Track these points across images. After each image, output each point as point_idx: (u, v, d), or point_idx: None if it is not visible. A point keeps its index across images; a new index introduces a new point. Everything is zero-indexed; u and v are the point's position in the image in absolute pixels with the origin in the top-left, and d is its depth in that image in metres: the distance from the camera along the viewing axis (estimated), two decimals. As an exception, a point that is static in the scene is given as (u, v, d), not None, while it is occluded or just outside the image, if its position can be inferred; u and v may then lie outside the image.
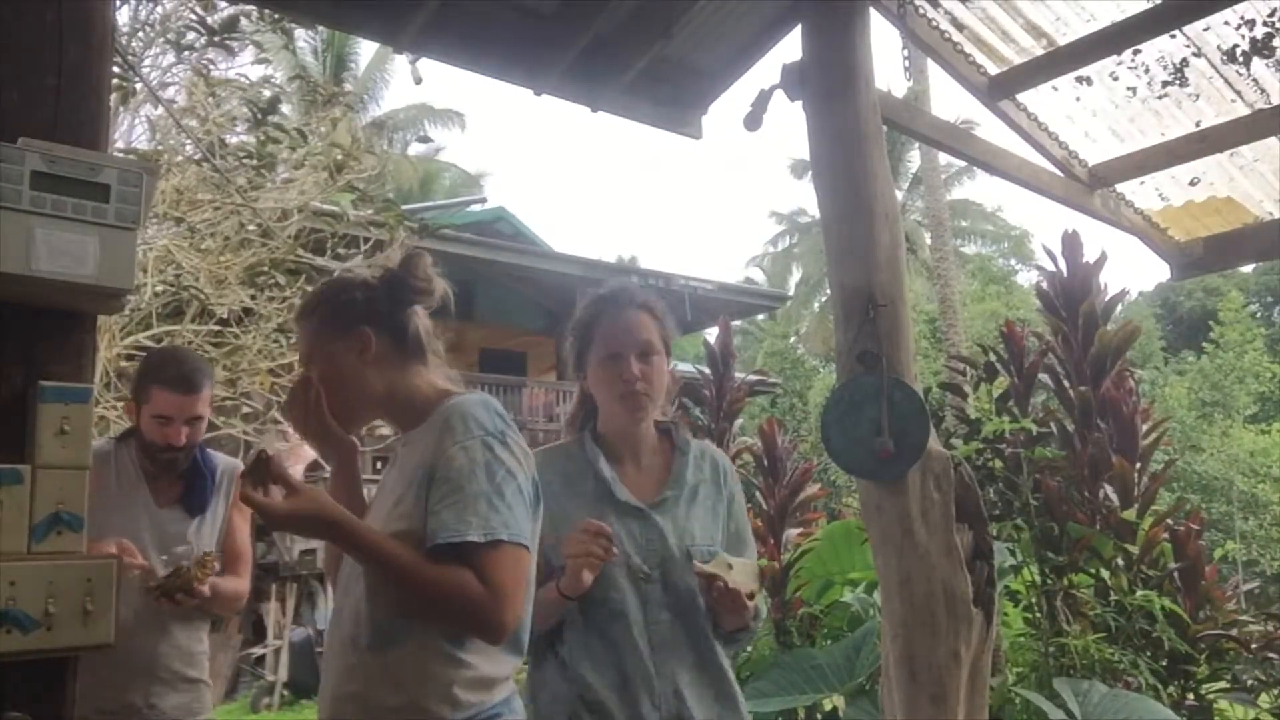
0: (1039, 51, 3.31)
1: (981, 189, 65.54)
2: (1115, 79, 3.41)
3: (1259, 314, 32.48)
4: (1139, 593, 3.98)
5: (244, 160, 6.33)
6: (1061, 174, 3.74)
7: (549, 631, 1.79)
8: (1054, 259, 4.93)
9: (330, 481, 1.71)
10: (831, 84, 2.81)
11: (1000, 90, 3.43)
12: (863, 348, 2.62)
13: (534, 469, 1.58)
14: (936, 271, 19.52)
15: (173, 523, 2.42)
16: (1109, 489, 4.48)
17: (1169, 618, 3.96)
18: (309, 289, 4.78)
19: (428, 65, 3.21)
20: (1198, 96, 3.44)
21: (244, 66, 11.21)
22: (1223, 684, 4.12)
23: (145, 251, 6.15)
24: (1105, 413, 4.61)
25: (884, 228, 2.72)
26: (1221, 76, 3.34)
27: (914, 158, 26.60)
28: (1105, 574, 4.13)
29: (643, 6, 2.94)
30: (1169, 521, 4.41)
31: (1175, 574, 4.25)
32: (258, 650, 10.43)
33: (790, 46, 3.01)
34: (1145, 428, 4.67)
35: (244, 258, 6.70)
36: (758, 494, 4.69)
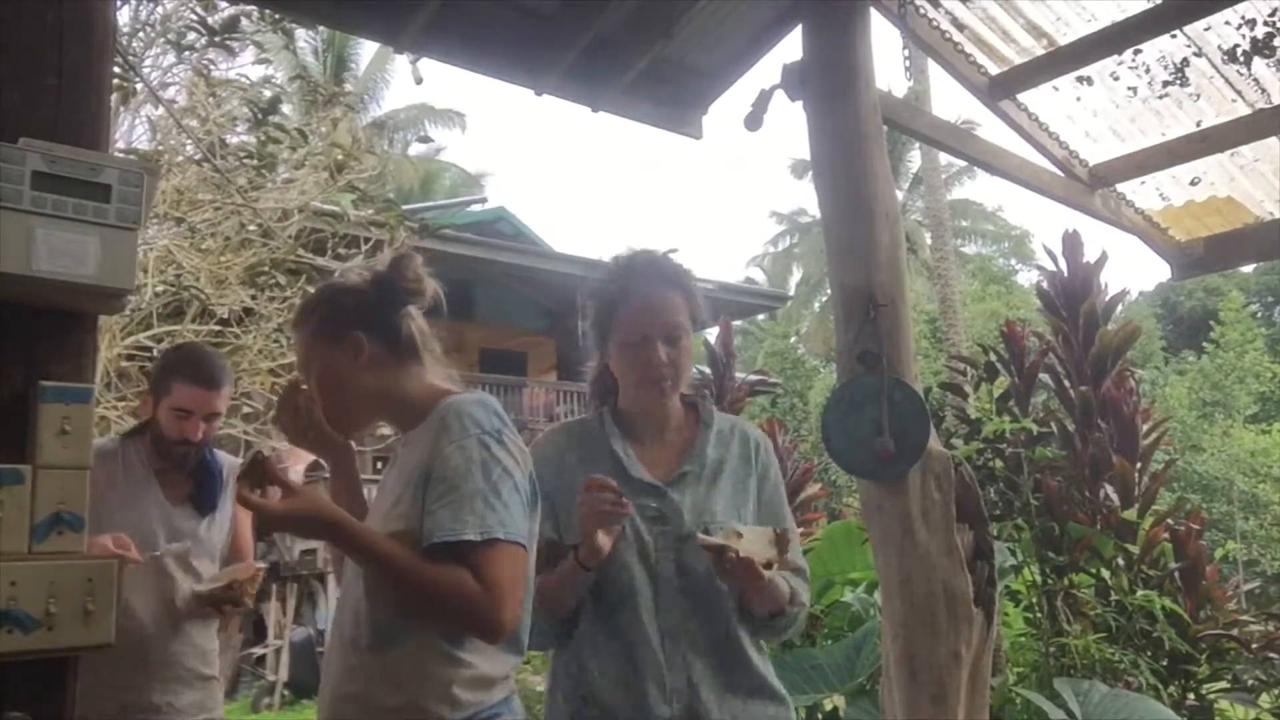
0: (1040, 51, 3.31)
1: (982, 189, 65.55)
2: (1116, 79, 3.41)
3: (1260, 314, 32.48)
4: (1139, 592, 3.98)
5: (244, 160, 6.33)
6: (1062, 174, 3.74)
7: (568, 619, 1.70)
8: (1054, 259, 4.94)
9: (330, 485, 1.72)
10: (832, 84, 2.81)
11: (1001, 90, 3.43)
12: (863, 348, 2.62)
13: (531, 467, 1.57)
14: (937, 271, 19.52)
15: (184, 520, 2.43)
16: (1109, 489, 4.48)
17: (1170, 618, 3.96)
18: (309, 289, 4.79)
19: (428, 65, 3.21)
20: (1198, 96, 3.44)
21: (244, 67, 11.26)
22: (1223, 684, 4.12)
23: (146, 252, 6.16)
24: (1106, 413, 4.61)
25: (884, 228, 2.72)
26: (1222, 76, 3.34)
27: (914, 158, 26.60)
28: (1106, 574, 4.13)
29: (643, 6, 2.94)
30: (1170, 521, 4.41)
31: (1176, 574, 4.25)
32: (258, 650, 10.44)
33: (791, 46, 3.02)
34: (1146, 428, 4.68)
35: (244, 258, 6.70)
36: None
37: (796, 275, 32.33)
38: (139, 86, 5.52)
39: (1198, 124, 3.54)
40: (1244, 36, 3.12)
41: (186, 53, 5.57)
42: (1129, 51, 3.27)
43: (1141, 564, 4.20)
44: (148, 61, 5.89)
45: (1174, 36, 3.18)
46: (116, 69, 4.45)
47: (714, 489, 1.74)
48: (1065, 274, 4.89)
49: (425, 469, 1.50)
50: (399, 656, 1.48)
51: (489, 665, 1.50)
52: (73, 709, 1.34)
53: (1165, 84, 3.39)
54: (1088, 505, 4.38)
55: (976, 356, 4.85)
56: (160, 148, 6.52)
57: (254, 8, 4.95)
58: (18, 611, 1.26)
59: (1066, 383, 4.77)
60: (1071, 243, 4.92)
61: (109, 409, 5.92)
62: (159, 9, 5.65)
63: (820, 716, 4.07)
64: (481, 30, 2.83)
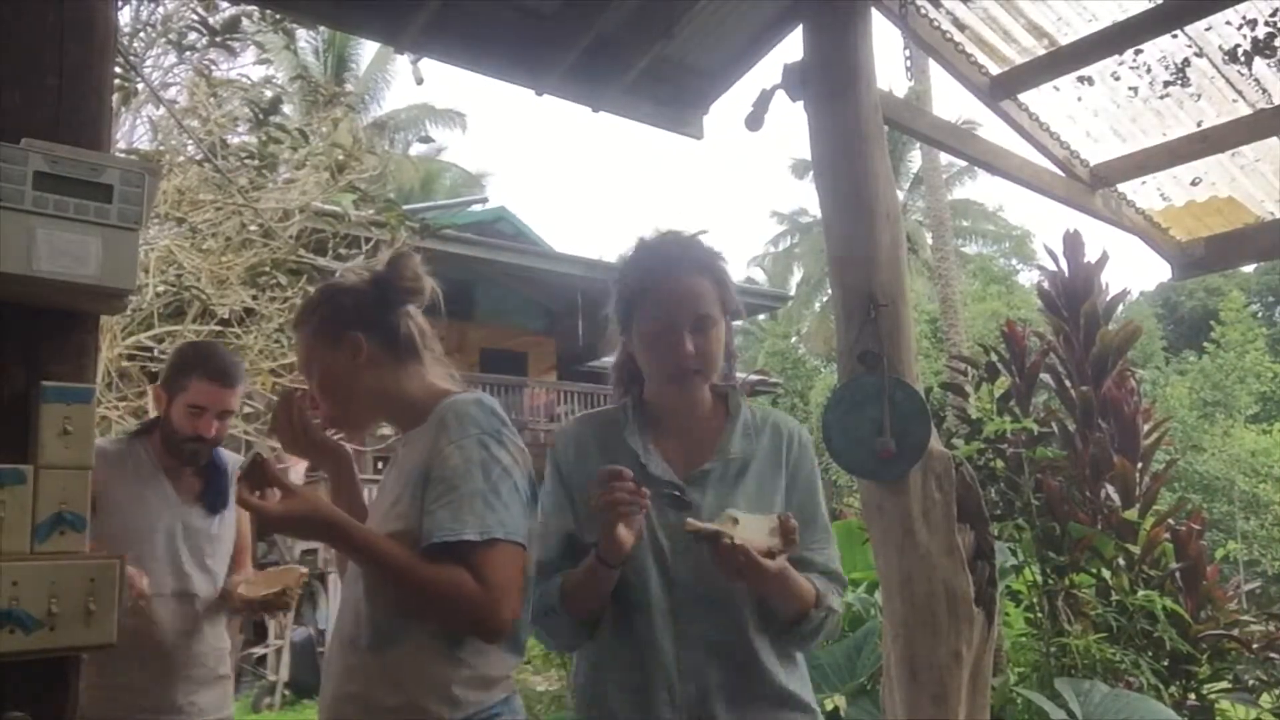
0: (1041, 51, 3.31)
1: (983, 189, 65.56)
2: (1117, 79, 3.41)
3: (1260, 314, 32.47)
4: (1140, 593, 3.98)
5: (245, 160, 6.34)
6: (1063, 174, 3.74)
7: (592, 620, 1.60)
8: (1055, 259, 4.94)
9: (329, 492, 1.72)
10: (833, 84, 2.81)
11: (1002, 90, 3.43)
12: (864, 348, 2.62)
13: (530, 466, 1.57)
14: (938, 271, 19.49)
15: (197, 519, 2.44)
16: (1110, 489, 4.48)
17: (1170, 618, 3.96)
18: (310, 289, 4.79)
19: (429, 65, 3.22)
20: (1199, 96, 3.44)
21: (245, 67, 11.24)
22: (1224, 684, 4.12)
23: (147, 252, 6.16)
24: (1107, 413, 4.62)
25: (885, 228, 2.72)
26: (1223, 76, 3.34)
27: (915, 158, 26.59)
28: (1107, 574, 4.14)
29: (644, 6, 2.94)
30: (1170, 521, 4.42)
31: (1177, 574, 4.26)
32: (259, 650, 10.44)
33: (791, 46, 3.02)
34: (1147, 428, 4.68)
35: (245, 258, 6.71)
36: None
37: (797, 275, 32.32)
38: (140, 86, 5.53)
39: (1199, 124, 3.54)
40: (1245, 36, 3.12)
41: (187, 53, 5.58)
42: (1130, 51, 3.27)
43: (1142, 564, 4.20)
44: (149, 61, 5.90)
45: (1175, 36, 3.18)
46: (117, 69, 4.45)
47: (738, 487, 1.62)
48: (1066, 274, 4.89)
49: (424, 469, 1.50)
50: (399, 656, 1.48)
51: (489, 665, 1.50)
52: (74, 709, 1.34)
53: (1166, 84, 3.39)
54: (1088, 505, 4.38)
55: (977, 356, 4.85)
56: (161, 148, 6.53)
57: (255, 8, 4.95)
58: (19, 611, 1.26)
59: (1067, 383, 4.77)
60: (1072, 243, 4.92)
61: (110, 409, 5.93)
62: (160, 9, 5.66)
63: (821, 716, 4.07)
64: (482, 30, 2.83)
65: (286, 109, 8.47)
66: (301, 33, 16.93)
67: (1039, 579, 4.04)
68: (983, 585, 2.58)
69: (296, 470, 6.76)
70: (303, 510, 1.44)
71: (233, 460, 2.59)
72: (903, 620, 2.54)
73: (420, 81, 3.91)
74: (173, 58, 5.98)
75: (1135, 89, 3.44)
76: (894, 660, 2.57)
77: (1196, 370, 26.33)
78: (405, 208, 7.62)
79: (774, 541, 1.47)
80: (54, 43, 1.44)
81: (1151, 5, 3.05)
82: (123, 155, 4.61)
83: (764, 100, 2.90)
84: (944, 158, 19.30)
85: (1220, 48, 3.22)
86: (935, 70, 5.40)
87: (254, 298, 6.72)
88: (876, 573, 2.80)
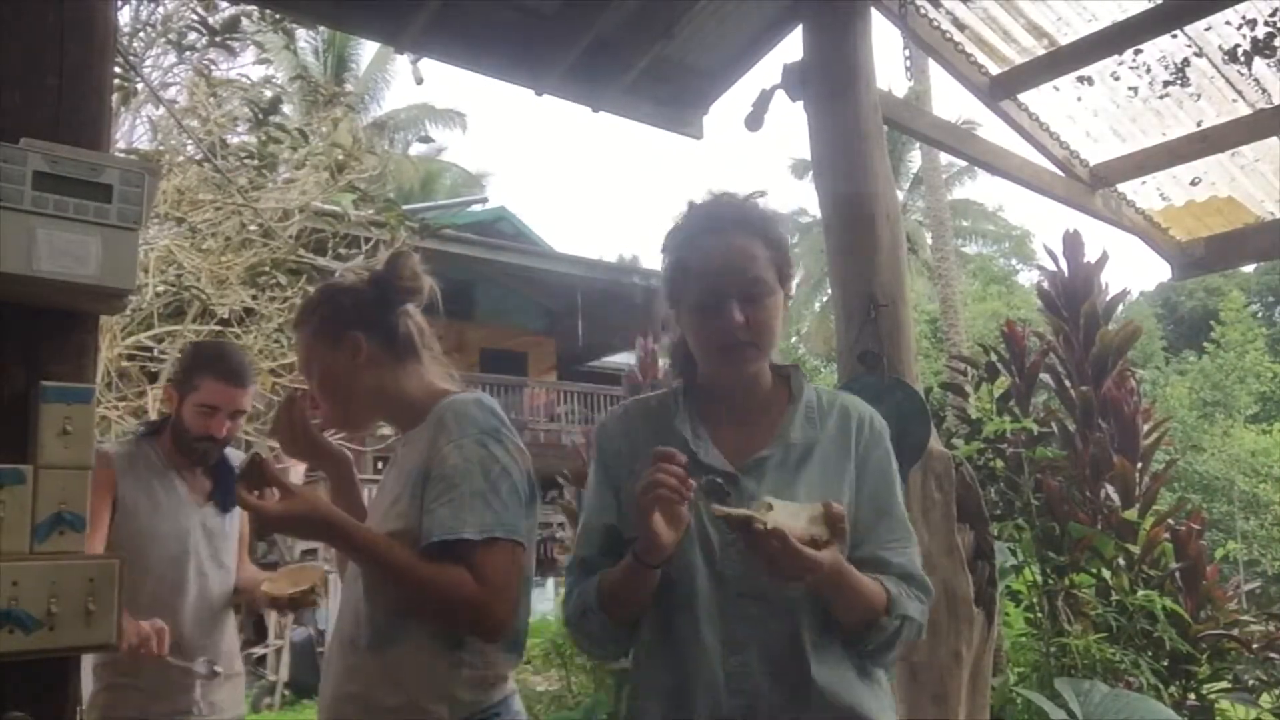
0: (1040, 51, 3.31)
1: (983, 189, 65.58)
2: (1117, 79, 3.42)
3: (1260, 314, 32.46)
4: (1140, 593, 3.98)
5: (245, 160, 6.34)
6: (1063, 174, 3.74)
7: (631, 625, 1.44)
8: (1055, 259, 4.94)
9: (329, 495, 1.72)
10: (832, 84, 2.82)
11: (1002, 90, 3.44)
12: (864, 347, 2.62)
13: (530, 466, 1.57)
14: (938, 271, 19.50)
15: (211, 518, 2.45)
16: (1110, 489, 4.48)
17: (1170, 618, 3.96)
18: (310, 289, 4.79)
19: (429, 65, 3.22)
20: (1199, 96, 3.44)
21: (245, 67, 11.24)
22: (1224, 684, 4.12)
23: (147, 252, 6.16)
24: (1106, 413, 4.61)
25: (885, 228, 2.72)
26: (1223, 76, 3.34)
27: (915, 158, 26.59)
28: (1106, 574, 4.13)
29: (644, 7, 2.94)
30: (1170, 521, 4.41)
31: (1176, 574, 4.25)
32: (259, 650, 10.43)
33: (791, 46, 3.02)
34: (1146, 428, 4.68)
35: (245, 258, 6.71)
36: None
37: (797, 275, 32.28)
38: (140, 86, 5.53)
39: (1198, 124, 3.54)
40: (1245, 36, 3.12)
41: (187, 53, 5.58)
42: (1130, 51, 3.27)
43: (1142, 564, 4.20)
44: (148, 61, 5.90)
45: (1175, 36, 3.18)
46: (117, 69, 4.45)
47: (799, 475, 1.44)
48: (1066, 274, 4.89)
49: (424, 468, 1.50)
50: (398, 656, 1.48)
51: (488, 665, 1.51)
52: (74, 709, 1.34)
53: (1166, 84, 3.39)
54: (1088, 505, 4.38)
55: (977, 356, 4.85)
56: (161, 148, 6.53)
57: (254, 8, 4.95)
58: (19, 611, 1.26)
59: (1067, 383, 4.77)
60: (1072, 243, 4.92)
61: (110, 409, 5.93)
62: (160, 9, 5.66)
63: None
64: (482, 30, 2.84)
65: (286, 109, 8.47)
66: (301, 33, 16.94)
67: (1039, 579, 4.04)
68: (983, 585, 2.58)
69: (296, 470, 6.77)
70: (302, 510, 1.45)
71: (237, 458, 2.60)
72: (903, 620, 2.54)
73: (420, 81, 3.92)
74: (172, 58, 5.98)
75: (1135, 89, 3.44)
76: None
77: (1196, 370, 26.33)
78: (405, 208, 7.62)
79: (817, 530, 1.28)
80: (54, 43, 1.44)
81: (1151, 5, 3.05)
82: (123, 155, 4.62)
83: (764, 100, 2.90)
84: (944, 158, 19.31)
85: (1220, 48, 3.22)
86: (935, 70, 5.41)
87: (254, 297, 6.72)
88: (876, 573, 2.79)
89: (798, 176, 31.87)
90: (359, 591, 1.54)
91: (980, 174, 27.77)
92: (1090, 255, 4.91)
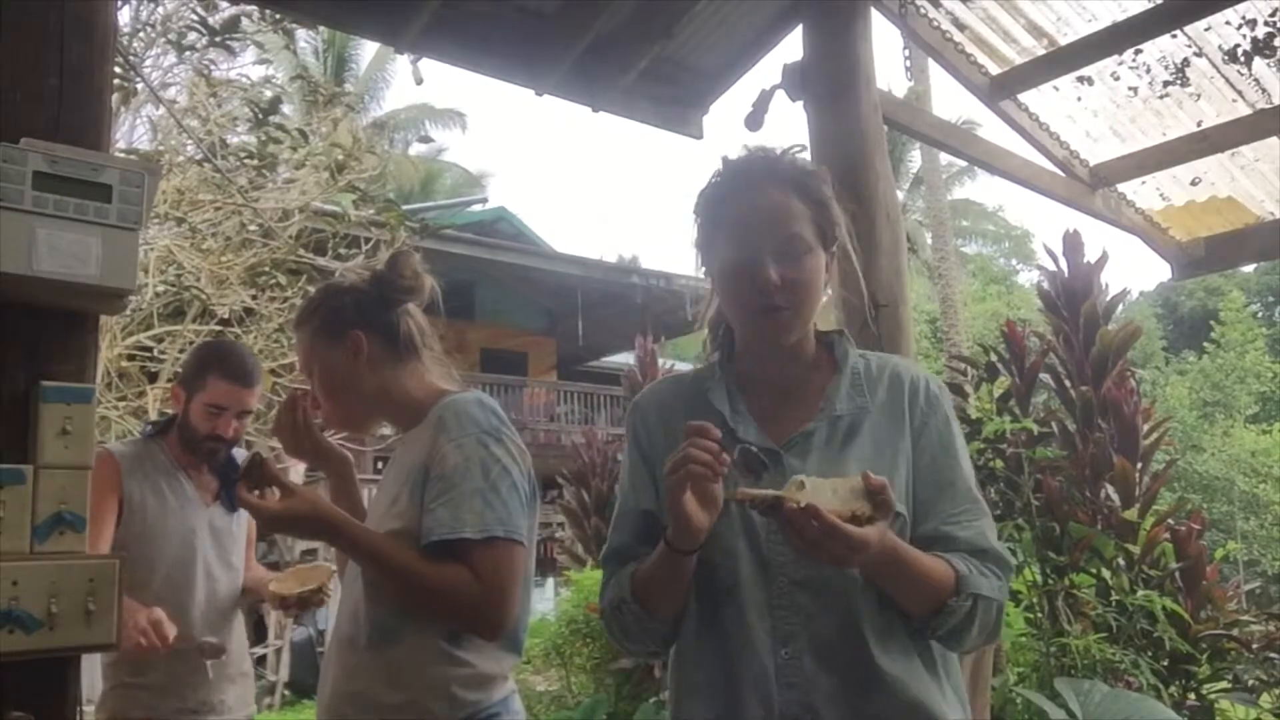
0: (1040, 51, 3.31)
1: (983, 189, 65.62)
2: (1116, 79, 3.42)
3: (1260, 314, 32.48)
4: (1140, 593, 3.98)
5: (245, 160, 6.34)
6: (1063, 174, 3.74)
7: (669, 618, 1.32)
8: (1055, 259, 4.94)
9: (329, 495, 1.72)
10: (833, 84, 2.82)
11: (1001, 90, 3.44)
12: (864, 347, 2.61)
13: (530, 465, 1.57)
14: (938, 271, 19.51)
15: (219, 518, 2.45)
16: (1110, 489, 4.48)
17: (1170, 618, 3.96)
18: (310, 289, 4.79)
19: (429, 65, 3.21)
20: (1199, 96, 3.44)
21: (245, 67, 11.28)
22: (1224, 684, 4.12)
23: (147, 252, 6.17)
24: (1106, 413, 4.61)
25: (885, 228, 2.72)
26: (1223, 76, 3.34)
27: (915, 158, 26.57)
28: (1106, 574, 4.13)
29: (644, 7, 2.94)
30: (1170, 521, 4.41)
31: (1176, 574, 4.25)
32: (259, 650, 10.42)
33: (791, 46, 3.01)
34: (1146, 428, 4.68)
35: (245, 258, 6.71)
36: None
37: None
38: (140, 86, 5.54)
39: (1198, 124, 3.54)
40: (1244, 36, 3.12)
41: (187, 53, 5.58)
42: (1129, 51, 3.27)
43: (1142, 564, 4.20)
44: (148, 61, 5.91)
45: (1174, 36, 3.18)
46: (117, 69, 4.45)
47: (847, 449, 1.31)
48: (1066, 274, 4.89)
49: (424, 468, 1.50)
50: (398, 655, 1.48)
51: (488, 664, 1.51)
52: (74, 709, 1.35)
53: (1166, 84, 3.39)
54: (1088, 505, 4.38)
55: (977, 356, 4.85)
56: (161, 148, 6.54)
57: (254, 8, 4.95)
58: (19, 611, 1.26)
59: (1067, 383, 4.77)
60: (1072, 243, 4.92)
61: (110, 409, 5.93)
62: (159, 9, 5.66)
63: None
64: (482, 30, 2.84)
65: (286, 109, 8.49)
66: (301, 33, 16.93)
67: (1039, 579, 4.04)
68: (982, 585, 2.58)
69: (296, 470, 6.77)
70: (302, 509, 1.45)
71: (241, 457, 2.60)
72: (902, 620, 2.53)
73: (420, 81, 3.91)
74: (172, 58, 6.00)
75: (1135, 89, 3.44)
76: (894, 660, 2.56)
77: (1196, 370, 26.35)
78: (405, 208, 7.63)
79: (857, 505, 1.13)
80: (54, 43, 1.44)
81: (1151, 5, 3.05)
82: (122, 155, 4.62)
83: (764, 100, 2.90)
84: (944, 158, 19.32)
85: (1220, 48, 3.22)
86: (935, 70, 5.40)
87: (254, 297, 6.72)
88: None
89: (798, 176, 31.82)
90: (359, 591, 1.54)
91: (980, 174, 27.77)
92: (1090, 255, 4.91)
